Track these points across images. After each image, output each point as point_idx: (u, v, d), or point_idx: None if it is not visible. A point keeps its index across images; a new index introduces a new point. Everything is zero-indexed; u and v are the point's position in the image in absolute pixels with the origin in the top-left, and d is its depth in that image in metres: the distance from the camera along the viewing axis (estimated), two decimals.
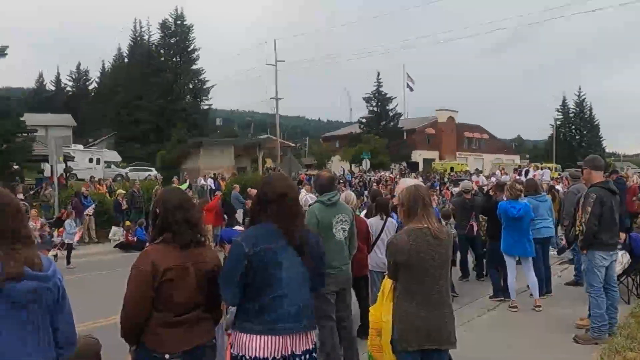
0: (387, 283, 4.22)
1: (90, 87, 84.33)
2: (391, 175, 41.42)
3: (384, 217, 8.15)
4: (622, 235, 8.42)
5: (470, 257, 11.64)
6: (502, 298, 8.97)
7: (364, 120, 64.69)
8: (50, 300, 2.62)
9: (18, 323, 2.51)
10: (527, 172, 31.43)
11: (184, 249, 3.30)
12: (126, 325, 3.27)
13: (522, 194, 8.82)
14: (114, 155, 47.71)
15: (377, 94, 63.84)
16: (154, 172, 40.15)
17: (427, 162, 63.78)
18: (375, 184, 31.04)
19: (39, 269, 2.57)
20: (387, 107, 64.31)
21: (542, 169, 34.40)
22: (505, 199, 8.89)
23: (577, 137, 78.33)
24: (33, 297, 2.54)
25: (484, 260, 11.02)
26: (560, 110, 79.90)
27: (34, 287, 2.53)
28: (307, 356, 3.48)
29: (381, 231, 8.02)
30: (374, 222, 8.12)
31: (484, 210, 10.04)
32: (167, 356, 3.21)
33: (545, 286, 9.17)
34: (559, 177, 40.25)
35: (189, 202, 3.48)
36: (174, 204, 3.39)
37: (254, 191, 21.54)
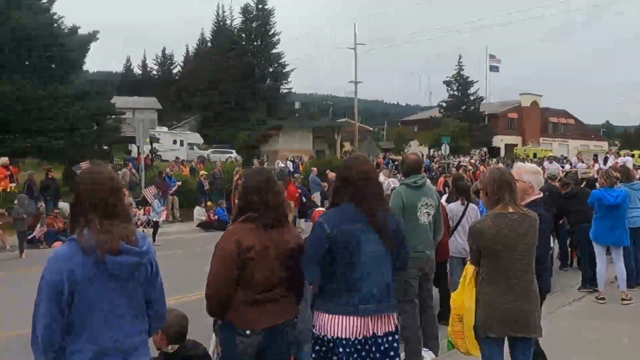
0: (470, 269, 4.13)
1: (175, 71, 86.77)
2: (471, 161, 40.54)
3: (465, 202, 7.99)
4: None
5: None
6: (591, 289, 8.64)
7: (443, 104, 63.55)
8: (145, 275, 2.72)
9: (116, 295, 2.62)
10: (606, 160, 29.69)
11: (265, 229, 3.35)
12: (212, 302, 3.37)
13: (618, 181, 8.45)
14: (197, 138, 48.99)
15: (458, 78, 62.49)
16: (234, 154, 40.97)
17: (509, 147, 61.96)
18: (454, 169, 30.49)
19: (135, 244, 2.67)
20: (468, 91, 62.86)
21: (624, 156, 32.46)
22: (598, 186, 8.52)
23: None
24: (130, 271, 2.64)
25: (569, 250, 10.65)
26: None
27: (131, 261, 2.63)
28: (389, 338, 3.46)
29: (462, 217, 7.87)
30: (455, 208, 7.96)
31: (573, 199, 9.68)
32: (248, 332, 3.29)
33: (636, 277, 8.75)
34: None
35: (270, 183, 3.50)
36: (253, 186, 3.45)
37: (332, 174, 21.78)
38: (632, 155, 48.26)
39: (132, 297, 2.68)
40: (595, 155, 34.28)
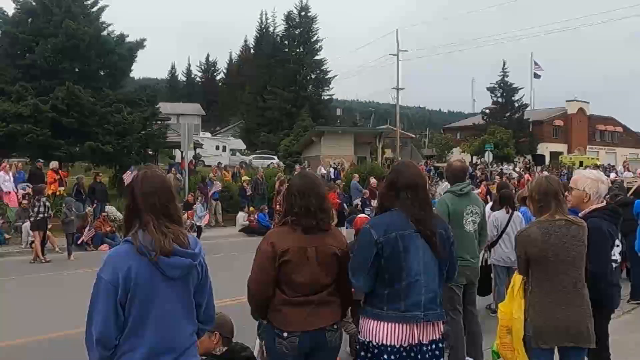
0: (517, 278, 4.08)
1: (218, 78, 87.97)
2: (516, 169, 39.95)
3: (510, 210, 7.90)
4: None
5: None
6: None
7: (487, 111, 62.70)
8: (196, 277, 2.79)
9: (169, 296, 2.69)
10: None
11: (305, 233, 3.39)
12: (252, 303, 3.46)
13: None
14: (239, 144, 49.61)
15: (502, 84, 61.55)
16: (276, 160, 41.26)
17: (554, 155, 60.75)
18: (498, 177, 30.06)
19: (187, 246, 2.74)
20: (513, 98, 61.87)
21: None
22: None
23: None
24: (183, 273, 2.71)
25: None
26: None
27: (184, 263, 2.70)
28: (434, 346, 3.44)
29: (507, 225, 7.79)
30: (499, 215, 7.89)
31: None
32: (285, 334, 3.34)
33: None
34: None
35: (314, 188, 3.51)
36: (296, 191, 3.49)
37: (374, 181, 21.73)
38: None
39: (183, 298, 2.75)
40: None
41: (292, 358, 3.36)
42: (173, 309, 2.70)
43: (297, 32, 59.41)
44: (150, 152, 28.79)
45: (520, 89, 61.92)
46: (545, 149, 62.53)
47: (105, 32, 26.91)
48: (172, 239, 2.67)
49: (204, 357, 3.75)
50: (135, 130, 24.58)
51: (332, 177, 28.48)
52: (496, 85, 61.67)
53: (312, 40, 59.49)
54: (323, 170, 30.43)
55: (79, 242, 16.18)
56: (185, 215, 19.10)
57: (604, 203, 4.41)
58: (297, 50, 59.57)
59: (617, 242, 4.35)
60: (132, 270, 2.60)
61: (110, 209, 18.74)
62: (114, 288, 2.59)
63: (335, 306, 3.52)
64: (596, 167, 35.81)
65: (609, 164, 44.48)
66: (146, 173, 2.85)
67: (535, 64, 69.95)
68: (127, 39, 27.48)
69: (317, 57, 59.51)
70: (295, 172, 25.71)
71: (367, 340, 3.42)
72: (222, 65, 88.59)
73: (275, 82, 56.83)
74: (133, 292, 2.60)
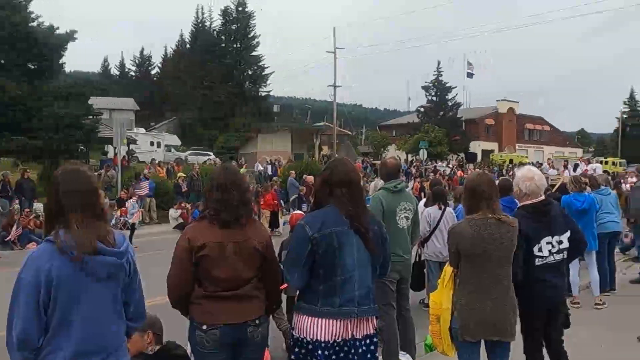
0: (448, 270, 4.19)
1: (153, 72, 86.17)
2: (449, 166, 40.95)
3: (442, 206, 8.08)
4: None
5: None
6: (568, 294, 8.74)
7: (422, 110, 63.91)
8: (123, 275, 2.72)
9: (94, 296, 2.62)
10: (576, 166, 30.15)
11: (224, 227, 3.35)
12: (171, 297, 3.43)
13: (587, 187, 8.57)
14: (174, 139, 48.68)
15: (436, 83, 62.88)
16: (212, 156, 40.81)
17: (486, 153, 62.54)
18: (432, 174, 30.74)
19: (112, 244, 2.67)
20: (447, 97, 63.28)
21: (593, 163, 33.11)
22: (570, 192, 8.64)
23: None
24: (108, 272, 2.64)
25: None
26: (628, 103, 76.96)
27: (109, 262, 2.63)
28: (367, 341, 3.48)
29: (439, 221, 7.96)
30: (432, 212, 8.06)
31: None
32: (205, 327, 3.31)
33: (609, 283, 8.89)
34: (624, 172, 38.82)
35: (235, 182, 3.47)
36: (216, 184, 3.44)
37: (310, 178, 21.82)
38: (606, 162, 49.25)
39: (110, 298, 2.68)
40: (566, 162, 34.84)
41: (214, 352, 3.32)
42: (99, 308, 2.63)
43: (234, 28, 58.87)
44: (82, 148, 27.96)
45: (453, 88, 63.40)
46: (477, 147, 64.23)
47: (34, 23, 25.90)
48: (97, 238, 2.60)
49: (136, 357, 3.67)
50: (66, 125, 23.78)
51: (269, 173, 28.45)
52: (431, 84, 62.89)
53: (250, 36, 59.06)
54: (260, 167, 30.35)
55: (5, 240, 15.57)
56: (119, 212, 18.68)
57: (540, 198, 4.51)
58: (234, 45, 59.05)
59: (550, 238, 4.40)
60: (54, 271, 2.52)
61: (38, 206, 18.08)
62: (35, 288, 2.50)
63: (258, 301, 3.48)
64: (522, 164, 37.19)
65: (537, 162, 46.06)
66: (69, 170, 2.76)
67: (469, 63, 71.72)
68: (58, 31, 26.54)
69: (254, 53, 59.13)
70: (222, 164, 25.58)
71: (302, 336, 3.42)
72: (157, 60, 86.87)
73: (212, 78, 56.16)
74: (55, 292, 2.52)
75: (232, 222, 3.37)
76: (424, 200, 8.94)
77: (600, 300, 8.20)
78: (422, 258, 8.13)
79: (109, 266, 2.63)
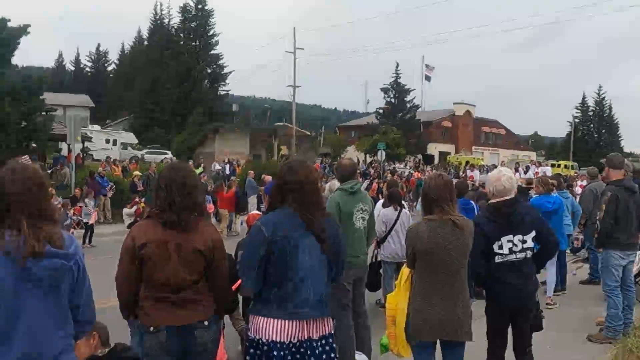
0: (405, 271, 4.24)
1: (109, 69, 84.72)
2: (407, 167, 41.36)
3: (398, 207, 8.16)
4: None
5: None
6: None
7: (380, 111, 64.39)
8: (71, 278, 2.64)
9: (41, 300, 2.53)
10: (527, 169, 30.90)
11: (166, 227, 3.27)
12: (118, 298, 3.36)
13: (554, 188, 8.81)
14: (131, 137, 47.92)
15: (395, 85, 63.44)
16: (169, 155, 40.33)
17: (443, 155, 63.44)
18: (390, 175, 30.97)
19: (60, 246, 2.58)
20: (405, 99, 63.89)
21: (544, 166, 33.99)
22: (534, 194, 8.84)
23: (595, 135, 77.77)
24: (55, 275, 2.55)
25: None
26: (580, 108, 79.31)
27: (56, 264, 2.55)
28: (324, 341, 3.49)
29: (395, 222, 8.03)
30: (389, 213, 8.13)
31: None
32: (151, 329, 3.25)
33: (560, 283, 9.12)
34: (575, 174, 39.92)
35: (182, 181, 3.37)
36: (163, 183, 3.37)
37: (268, 178, 21.71)
38: (558, 165, 50.52)
39: (56, 301, 2.59)
40: (517, 164, 35.66)
41: (158, 355, 3.25)
42: (44, 312, 2.54)
43: (192, 26, 58.27)
44: (34, 145, 27.25)
45: (411, 90, 64.08)
46: (434, 149, 65.05)
47: None
48: (45, 240, 2.51)
49: None
50: (16, 122, 23.11)
51: (227, 173, 28.26)
52: (389, 87, 63.42)
53: (209, 34, 58.55)
54: (218, 167, 30.13)
55: None
56: (72, 211, 18.25)
57: (505, 198, 4.58)
58: (193, 43, 58.46)
59: (511, 237, 4.47)
60: None
61: None
62: None
63: (205, 303, 3.40)
64: (472, 167, 38.03)
65: (492, 164, 46.90)
66: (15, 168, 2.64)
67: (427, 66, 72.66)
68: (9, 24, 25.76)
69: (213, 52, 58.65)
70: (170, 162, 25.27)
71: (257, 337, 3.41)
72: (113, 56, 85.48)
73: (170, 76, 55.51)
74: None
75: (176, 222, 3.28)
76: (381, 201, 9.02)
77: (552, 300, 8.41)
78: (379, 259, 8.19)
79: (55, 269, 2.54)
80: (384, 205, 8.47)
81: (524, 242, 4.51)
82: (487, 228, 4.36)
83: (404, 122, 60.88)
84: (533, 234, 4.55)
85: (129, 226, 18.95)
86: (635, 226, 6.84)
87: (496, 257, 4.46)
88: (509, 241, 4.47)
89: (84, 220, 16.15)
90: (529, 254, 4.55)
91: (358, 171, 8.18)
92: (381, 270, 8.15)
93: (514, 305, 4.53)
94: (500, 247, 4.45)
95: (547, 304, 8.29)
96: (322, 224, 3.51)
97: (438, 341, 4.09)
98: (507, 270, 4.45)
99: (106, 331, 4.04)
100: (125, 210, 19.98)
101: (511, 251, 4.48)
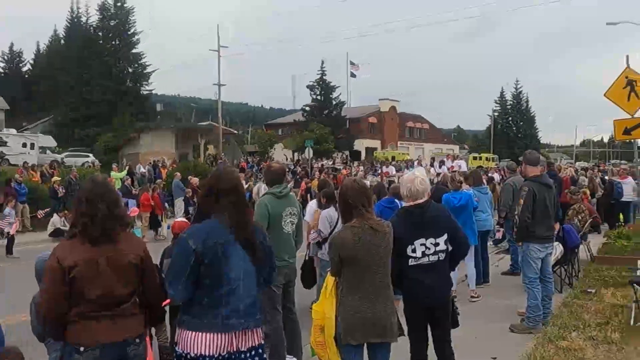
0: (330, 280, 4.27)
1: (24, 69, 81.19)
2: (335, 165, 41.74)
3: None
4: (556, 227, 8.72)
5: None
6: None
7: (307, 108, 64.63)
8: None
9: None
10: (442, 163, 31.62)
11: (93, 243, 3.21)
12: (45, 320, 3.25)
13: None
14: (49, 140, 46.01)
15: (321, 82, 63.80)
16: (91, 158, 39.06)
17: (370, 150, 64.40)
18: (318, 173, 31.13)
19: None
20: (331, 96, 64.38)
21: (458, 160, 34.97)
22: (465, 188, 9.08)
23: (513, 127, 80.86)
24: None
25: None
26: (498, 102, 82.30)
27: None
28: (253, 352, 3.48)
29: (337, 221, 8.03)
30: (331, 213, 8.08)
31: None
32: (81, 349, 3.16)
33: (483, 276, 9.44)
34: (496, 166, 41.36)
35: (103, 194, 3.32)
36: (84, 198, 3.30)
37: (195, 179, 21.40)
38: (480, 158, 52.27)
39: None
40: (432, 159, 36.65)
41: None
42: None
43: (112, 24, 56.63)
44: None
45: (337, 87, 64.62)
46: (361, 144, 65.93)
47: None
48: None
49: None
50: None
51: (153, 176, 27.65)
52: (315, 84, 63.73)
53: (129, 32, 57.06)
54: (142, 169, 29.44)
55: None
56: None
57: (417, 202, 4.67)
58: (113, 42, 56.82)
59: (424, 240, 4.55)
60: None
61: None
62: None
63: (139, 318, 3.37)
64: (387, 163, 38.94)
65: (410, 160, 47.90)
66: None
67: (352, 63, 73.42)
68: None
69: (135, 50, 57.20)
70: (113, 171, 24.53)
71: (185, 351, 3.36)
72: (28, 56, 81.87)
73: (90, 75, 53.75)
74: None
75: (101, 237, 3.22)
76: (314, 201, 9.03)
77: (475, 293, 8.68)
78: (319, 257, 8.13)
79: None
80: (321, 207, 8.43)
81: (436, 244, 4.62)
82: (401, 231, 4.44)
83: (331, 118, 61.34)
84: (445, 236, 4.67)
85: (52, 235, 18.27)
86: (552, 219, 7.20)
87: (409, 260, 4.56)
88: (421, 244, 4.57)
89: (5, 231, 15.39)
90: (442, 256, 4.65)
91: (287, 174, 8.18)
92: (317, 268, 8.13)
93: (428, 304, 4.65)
94: (414, 251, 4.55)
95: (472, 297, 8.56)
96: (250, 231, 3.52)
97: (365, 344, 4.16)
98: (420, 271, 4.56)
99: (19, 353, 3.87)
100: (55, 219, 19.08)
101: (424, 254, 4.57)
